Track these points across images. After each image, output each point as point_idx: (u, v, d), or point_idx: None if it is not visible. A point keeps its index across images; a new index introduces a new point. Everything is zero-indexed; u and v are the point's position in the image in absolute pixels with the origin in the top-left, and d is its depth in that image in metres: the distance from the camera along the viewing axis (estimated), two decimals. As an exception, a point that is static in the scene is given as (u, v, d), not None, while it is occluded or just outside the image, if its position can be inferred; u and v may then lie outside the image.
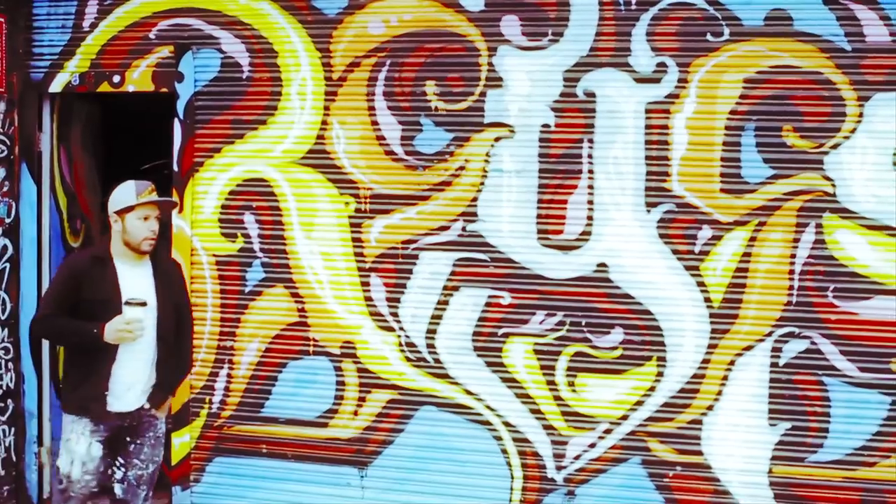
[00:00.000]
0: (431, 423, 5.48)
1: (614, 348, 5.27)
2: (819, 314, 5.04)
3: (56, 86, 5.84)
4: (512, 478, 5.42)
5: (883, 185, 4.96)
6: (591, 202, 5.26)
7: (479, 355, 5.42)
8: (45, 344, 5.95)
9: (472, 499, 5.43)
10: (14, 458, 5.90)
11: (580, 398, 5.32)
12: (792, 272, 5.07)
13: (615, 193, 5.23)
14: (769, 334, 5.10)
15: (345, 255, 5.54)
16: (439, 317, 5.44)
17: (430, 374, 5.48)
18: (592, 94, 5.24)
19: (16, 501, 5.89)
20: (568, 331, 5.31)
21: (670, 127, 5.16)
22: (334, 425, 5.61)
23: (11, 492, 5.89)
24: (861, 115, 4.96)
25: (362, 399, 5.57)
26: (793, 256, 5.07)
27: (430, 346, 5.47)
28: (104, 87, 5.78)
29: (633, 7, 5.18)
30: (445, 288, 5.43)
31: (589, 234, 5.26)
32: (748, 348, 5.12)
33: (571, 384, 5.33)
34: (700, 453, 5.20)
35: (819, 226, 5.03)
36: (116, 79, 5.75)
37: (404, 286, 5.48)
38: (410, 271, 5.47)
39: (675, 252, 5.18)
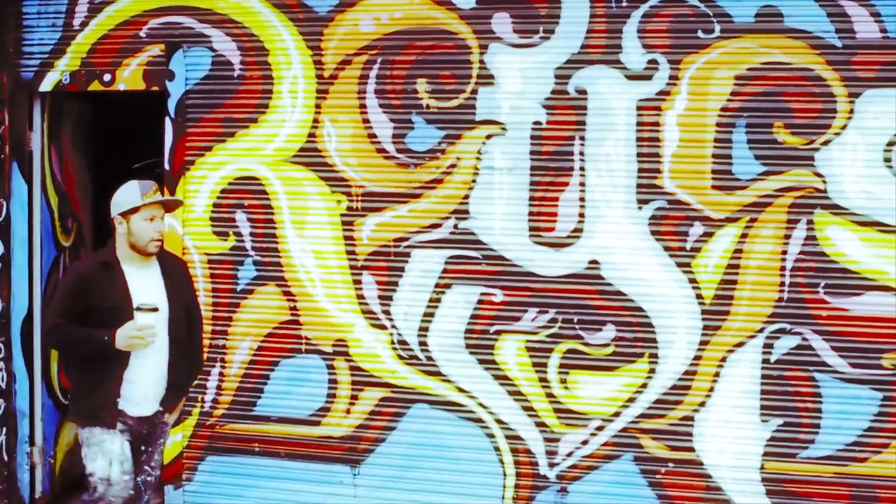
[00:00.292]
0: (424, 421, 5.48)
1: (606, 345, 5.28)
2: (810, 310, 5.05)
3: (46, 85, 5.82)
4: (504, 475, 5.42)
5: (874, 181, 4.97)
6: (582, 199, 5.26)
7: (471, 353, 5.42)
8: (37, 343, 5.94)
9: (464, 496, 5.44)
10: (6, 458, 5.89)
11: (572, 395, 5.33)
12: (783, 268, 5.08)
13: (607, 190, 5.23)
14: (761, 330, 5.11)
15: (337, 254, 5.54)
16: (431, 314, 5.45)
17: (422, 372, 5.48)
18: (584, 92, 5.24)
19: (7, 501, 5.88)
20: (560, 328, 5.31)
21: (662, 124, 5.16)
22: (327, 423, 5.61)
23: (3, 492, 5.88)
24: (852, 111, 4.97)
25: (355, 397, 5.57)
26: (784, 253, 5.08)
27: (422, 343, 5.47)
28: (95, 86, 5.77)
29: (624, 4, 5.18)
30: (437, 286, 5.43)
31: (581, 231, 5.26)
32: (740, 345, 5.13)
33: (563, 381, 5.33)
34: (692, 450, 5.21)
35: (810, 222, 5.04)
36: (107, 77, 5.74)
37: (396, 284, 5.48)
38: (402, 269, 5.47)
39: (666, 249, 5.19)
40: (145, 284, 4.55)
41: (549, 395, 5.35)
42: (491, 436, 5.43)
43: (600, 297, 5.27)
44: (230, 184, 5.65)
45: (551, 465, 5.37)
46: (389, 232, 5.48)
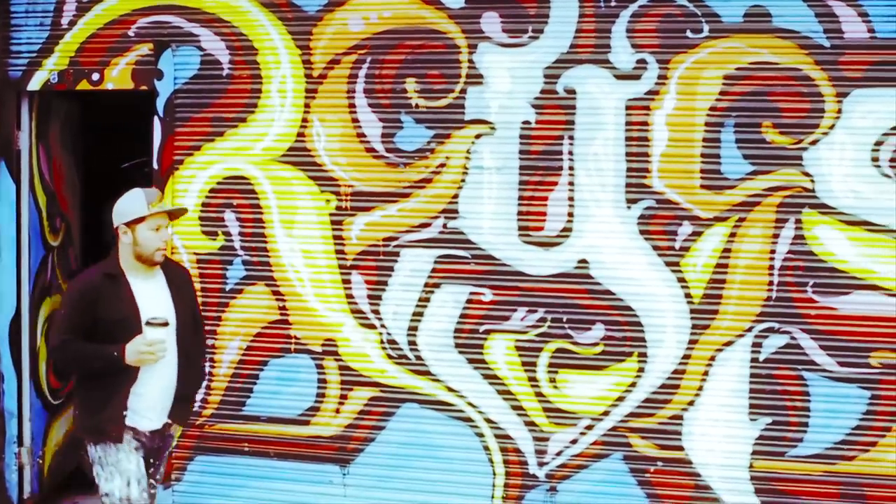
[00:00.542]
0: (413, 421, 5.48)
1: (595, 344, 5.28)
2: (799, 309, 5.07)
3: (35, 84, 5.80)
4: (494, 474, 5.42)
5: (861, 180, 4.98)
6: (571, 199, 5.26)
7: (460, 352, 5.42)
8: (25, 343, 5.92)
9: (454, 495, 5.44)
10: (-6, 459, 5.89)
11: (561, 394, 5.33)
12: (772, 268, 5.09)
13: (595, 190, 5.24)
14: (749, 330, 5.12)
15: (326, 253, 5.53)
16: (421, 314, 5.44)
17: (411, 372, 5.48)
18: (573, 91, 5.25)
19: (-4, 502, 5.88)
20: (549, 327, 5.32)
21: (650, 123, 5.17)
22: (316, 423, 5.60)
23: (-9, 492, 5.87)
24: (840, 111, 4.99)
25: (344, 397, 5.56)
26: (772, 252, 5.09)
27: (411, 343, 5.47)
28: (83, 85, 5.75)
29: (613, 4, 5.19)
30: (427, 285, 5.43)
31: (570, 230, 5.27)
32: (728, 344, 5.14)
33: (553, 380, 5.34)
34: (681, 448, 5.22)
35: (798, 221, 5.05)
36: (96, 76, 5.73)
37: (385, 283, 5.48)
38: (392, 268, 5.47)
39: (655, 248, 5.20)
40: (152, 295, 4.43)
41: (539, 395, 5.35)
42: (480, 435, 5.43)
43: (589, 297, 5.27)
44: (219, 183, 5.64)
45: (541, 465, 5.38)
46: (378, 231, 5.48)
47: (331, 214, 5.52)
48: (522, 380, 5.37)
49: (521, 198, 5.32)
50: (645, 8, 5.15)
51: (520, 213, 5.32)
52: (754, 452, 5.15)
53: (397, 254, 5.46)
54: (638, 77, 5.17)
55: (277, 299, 5.60)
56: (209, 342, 5.63)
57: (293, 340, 5.60)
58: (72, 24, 5.76)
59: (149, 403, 4.43)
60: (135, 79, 5.70)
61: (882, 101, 4.94)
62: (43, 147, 6.09)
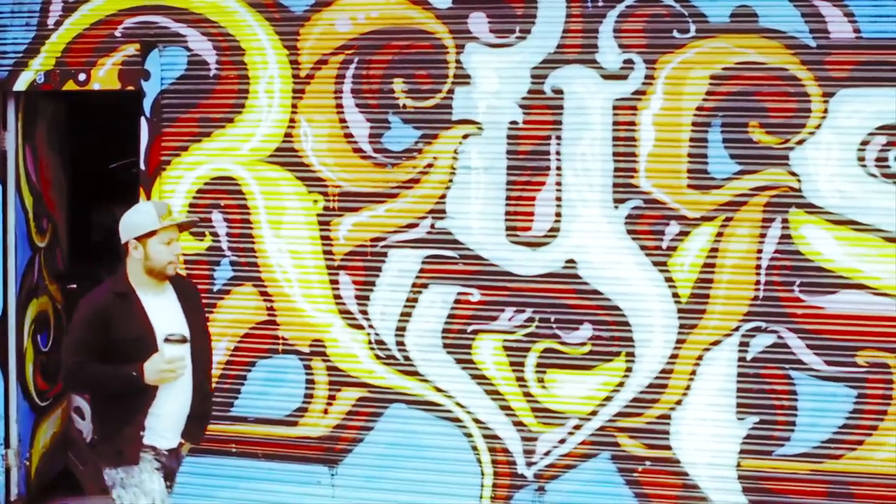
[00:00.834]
0: (401, 421, 5.48)
1: (583, 344, 5.29)
2: (786, 309, 5.08)
3: (21, 84, 5.78)
4: (482, 474, 5.42)
5: (848, 180, 5.00)
6: (559, 199, 5.27)
7: (448, 352, 5.42)
8: (12, 345, 5.89)
9: (442, 496, 5.44)
10: (-20, 461, 5.86)
11: (549, 394, 5.33)
12: (759, 267, 5.10)
13: (583, 190, 5.24)
14: (736, 329, 5.13)
15: (313, 254, 5.52)
16: (409, 314, 5.44)
17: (399, 372, 5.48)
18: (560, 91, 5.25)
19: (-17, 504, 5.85)
20: (537, 327, 5.32)
21: (637, 123, 5.18)
22: (304, 424, 5.59)
23: (-22, 494, 5.85)
24: (826, 111, 5.00)
25: (332, 397, 5.56)
26: (759, 251, 5.10)
27: (399, 343, 5.47)
28: (70, 86, 5.73)
29: (600, 4, 5.19)
30: (414, 285, 5.43)
31: (557, 230, 5.27)
32: (716, 343, 5.15)
33: (541, 380, 5.34)
34: (669, 448, 5.22)
35: (785, 221, 5.06)
36: (82, 77, 5.71)
37: (373, 284, 5.47)
38: (379, 269, 5.47)
39: (642, 248, 5.20)
40: (164, 311, 4.29)
41: (527, 395, 5.35)
42: (468, 435, 5.43)
43: (577, 297, 5.28)
44: (206, 184, 5.63)
45: (529, 464, 5.38)
46: (366, 232, 5.47)
47: (318, 215, 5.52)
48: (510, 380, 5.37)
49: (508, 198, 5.32)
50: (632, 8, 5.16)
51: (507, 213, 5.33)
52: (742, 451, 5.16)
53: (385, 254, 5.45)
54: (625, 77, 5.18)
55: (265, 300, 5.59)
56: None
57: (281, 341, 5.59)
58: (58, 24, 5.74)
59: (167, 423, 4.30)
60: (121, 79, 5.68)
61: (868, 100, 4.95)
62: (29, 148, 6.07)
